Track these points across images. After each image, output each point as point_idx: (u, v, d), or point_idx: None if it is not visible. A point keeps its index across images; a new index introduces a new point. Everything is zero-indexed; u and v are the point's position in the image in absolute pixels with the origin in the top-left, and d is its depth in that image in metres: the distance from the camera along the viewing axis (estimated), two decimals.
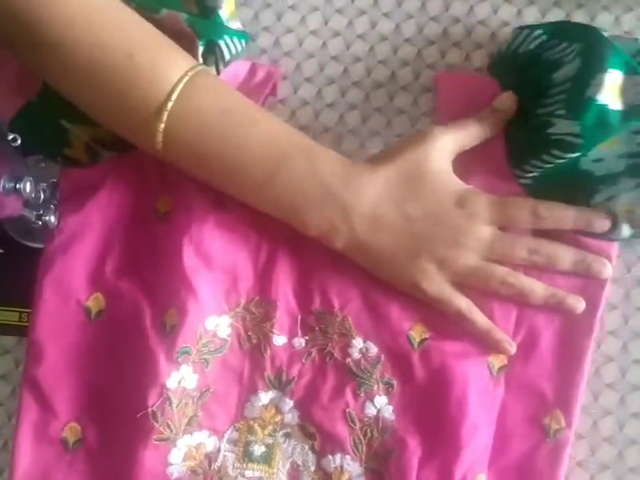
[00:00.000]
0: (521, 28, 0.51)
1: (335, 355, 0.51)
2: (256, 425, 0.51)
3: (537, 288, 0.50)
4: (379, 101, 0.56)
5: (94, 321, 0.53)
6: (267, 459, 0.51)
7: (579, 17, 0.55)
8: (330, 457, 0.50)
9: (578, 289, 0.51)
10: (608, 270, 0.50)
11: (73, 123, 0.52)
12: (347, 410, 0.50)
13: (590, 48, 0.47)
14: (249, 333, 0.52)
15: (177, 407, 0.50)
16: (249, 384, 0.52)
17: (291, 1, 0.58)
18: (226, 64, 0.54)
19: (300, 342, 0.52)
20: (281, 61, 0.57)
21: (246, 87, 0.55)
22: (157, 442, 0.49)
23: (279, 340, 0.52)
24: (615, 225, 0.49)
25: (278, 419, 0.51)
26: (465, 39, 0.56)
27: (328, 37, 0.57)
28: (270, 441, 0.51)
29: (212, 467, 0.51)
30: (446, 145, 0.49)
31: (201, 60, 0.51)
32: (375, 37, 0.57)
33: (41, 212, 0.51)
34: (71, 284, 0.52)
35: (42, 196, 0.50)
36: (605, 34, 0.48)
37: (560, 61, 0.48)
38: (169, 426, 0.49)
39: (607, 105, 0.46)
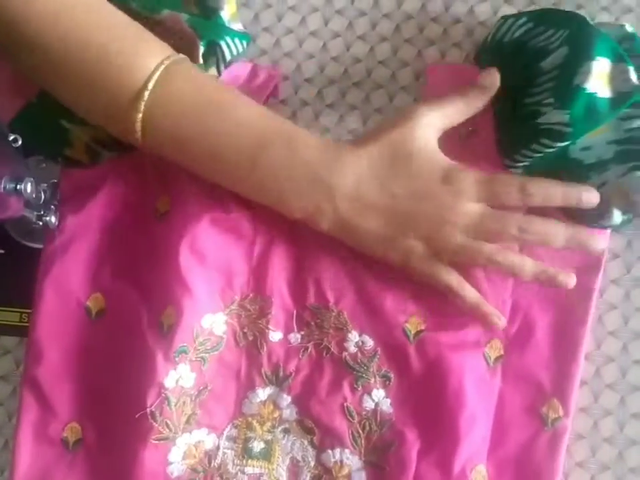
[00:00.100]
0: (505, 17, 0.51)
1: (332, 349, 0.51)
2: (254, 422, 0.52)
3: (526, 265, 0.49)
4: (379, 102, 0.57)
5: (94, 320, 0.53)
6: (267, 455, 0.51)
7: None
8: (329, 451, 0.50)
9: None
10: (602, 243, 0.49)
11: (73, 124, 0.53)
12: (345, 404, 0.50)
13: (576, 35, 0.47)
14: (245, 330, 0.52)
15: (175, 405, 0.50)
16: (246, 381, 0.52)
17: (291, 2, 0.58)
18: (227, 65, 0.54)
19: (296, 337, 0.52)
20: (281, 61, 0.58)
21: (247, 89, 0.55)
22: (156, 441, 0.49)
23: (275, 336, 0.52)
24: (606, 212, 0.49)
25: (276, 414, 0.51)
26: (465, 39, 0.56)
27: (328, 38, 0.58)
28: (269, 437, 0.51)
29: (212, 465, 0.51)
30: (432, 121, 0.49)
31: (201, 61, 0.52)
32: (375, 38, 0.57)
33: (42, 212, 0.51)
34: (71, 284, 0.53)
35: (42, 196, 0.50)
36: (592, 22, 0.48)
37: (546, 48, 0.48)
38: (167, 425, 0.50)
39: (595, 93, 0.46)
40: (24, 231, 0.55)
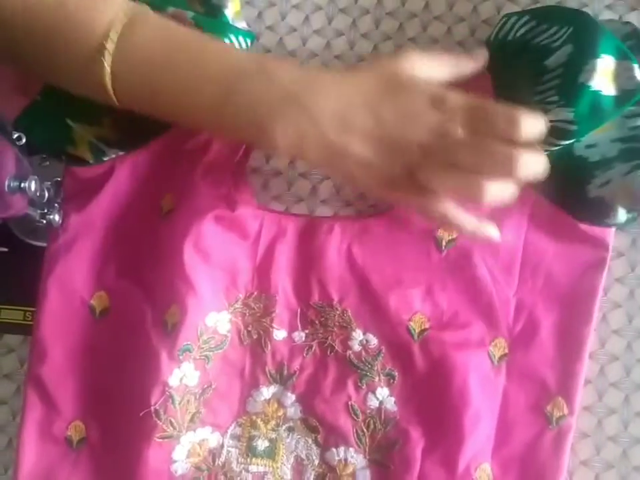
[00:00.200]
0: (508, 15, 0.51)
1: (336, 347, 0.51)
2: (259, 420, 0.52)
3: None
4: None
5: (98, 319, 0.53)
6: (271, 453, 0.51)
7: None
8: (334, 449, 0.50)
9: (575, 278, 0.50)
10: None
11: (77, 122, 0.52)
12: (349, 402, 0.51)
13: (581, 32, 0.47)
14: (249, 329, 0.52)
15: (179, 404, 0.50)
16: (250, 379, 0.52)
17: (294, 1, 0.58)
18: None
19: (300, 336, 0.52)
20: None
21: None
22: (161, 439, 0.49)
23: (279, 334, 0.52)
24: (611, 210, 0.48)
25: (280, 413, 0.52)
26: (468, 38, 0.56)
27: (332, 37, 0.58)
28: (273, 435, 0.51)
29: (216, 463, 0.51)
30: (423, 60, 0.47)
31: None
32: (378, 36, 0.57)
33: (45, 211, 0.52)
34: (74, 282, 0.53)
35: (46, 195, 0.50)
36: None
37: (550, 46, 0.48)
38: (171, 423, 0.50)
39: (600, 90, 0.46)
40: (28, 229, 0.55)
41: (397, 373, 0.51)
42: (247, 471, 0.51)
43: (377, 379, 0.51)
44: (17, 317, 0.56)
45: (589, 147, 0.48)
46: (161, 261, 0.52)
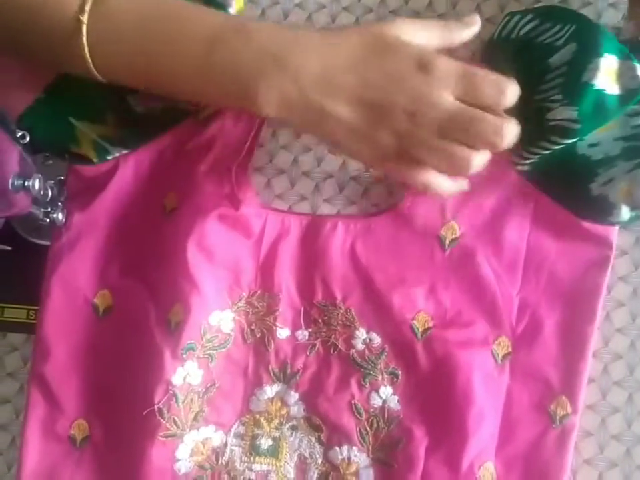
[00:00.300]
0: (512, 14, 0.51)
1: (339, 346, 0.51)
2: (262, 419, 0.52)
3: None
4: None
5: (102, 318, 0.53)
6: (274, 452, 0.51)
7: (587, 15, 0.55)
8: (337, 448, 0.50)
9: (579, 277, 0.51)
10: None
11: (80, 120, 0.52)
12: (353, 401, 0.51)
13: (584, 31, 0.47)
14: (252, 327, 0.52)
15: (182, 402, 0.50)
16: (254, 378, 0.52)
17: None
18: None
19: (303, 334, 0.52)
20: None
21: None
22: (164, 438, 0.49)
23: (283, 333, 0.52)
24: (614, 209, 0.49)
25: (284, 411, 0.52)
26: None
27: None
28: (276, 434, 0.51)
29: (219, 462, 0.51)
30: (413, 25, 0.46)
31: None
32: None
33: (49, 209, 0.52)
34: (78, 281, 0.53)
35: (50, 193, 0.51)
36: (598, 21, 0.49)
37: (553, 44, 0.48)
38: (175, 422, 0.50)
39: (604, 89, 0.46)
40: (31, 228, 0.55)
41: (400, 372, 0.51)
42: (251, 469, 0.51)
43: (380, 377, 0.51)
44: (21, 315, 0.56)
45: (592, 145, 0.49)
46: (164, 260, 0.52)
